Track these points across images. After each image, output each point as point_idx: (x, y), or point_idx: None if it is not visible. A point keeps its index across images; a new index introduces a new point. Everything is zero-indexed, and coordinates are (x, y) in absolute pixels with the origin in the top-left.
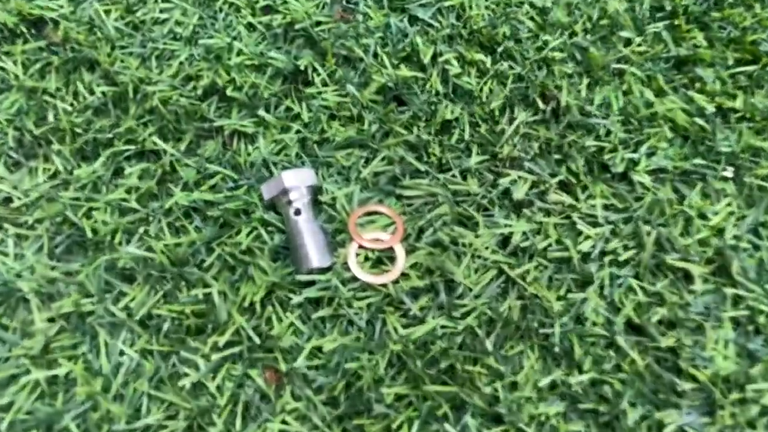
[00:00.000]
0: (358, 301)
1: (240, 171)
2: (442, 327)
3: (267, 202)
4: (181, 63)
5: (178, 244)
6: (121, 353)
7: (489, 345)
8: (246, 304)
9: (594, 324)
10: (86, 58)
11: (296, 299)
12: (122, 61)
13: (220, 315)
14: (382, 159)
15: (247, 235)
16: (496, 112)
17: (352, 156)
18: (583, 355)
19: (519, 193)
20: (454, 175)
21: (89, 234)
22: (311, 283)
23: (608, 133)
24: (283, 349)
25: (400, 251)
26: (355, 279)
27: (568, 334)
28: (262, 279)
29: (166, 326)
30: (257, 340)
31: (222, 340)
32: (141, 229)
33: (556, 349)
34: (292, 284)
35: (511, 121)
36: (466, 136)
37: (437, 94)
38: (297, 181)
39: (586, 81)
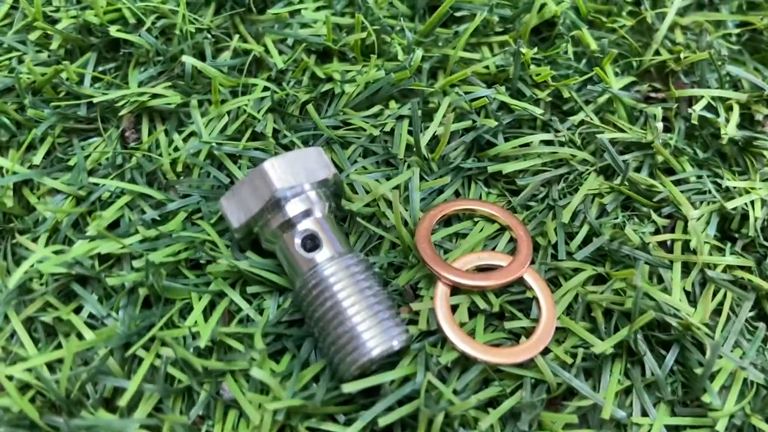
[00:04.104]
0: (483, 415)
1: (164, 185)
2: None
3: (240, 234)
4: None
5: (57, 361)
6: None
7: None
8: None
9: None
10: None
11: None
12: None
13: None
14: (449, 109)
15: (206, 313)
16: None
17: (385, 115)
18: None
19: (730, 129)
20: (587, 120)
21: None
22: (371, 393)
23: None
24: None
25: (537, 286)
26: (461, 363)
27: None
28: (262, 409)
29: None
30: None
31: None
32: None
33: None
34: (329, 402)
35: (655, 9)
36: (593, 45)
37: None
38: (296, 175)
39: None
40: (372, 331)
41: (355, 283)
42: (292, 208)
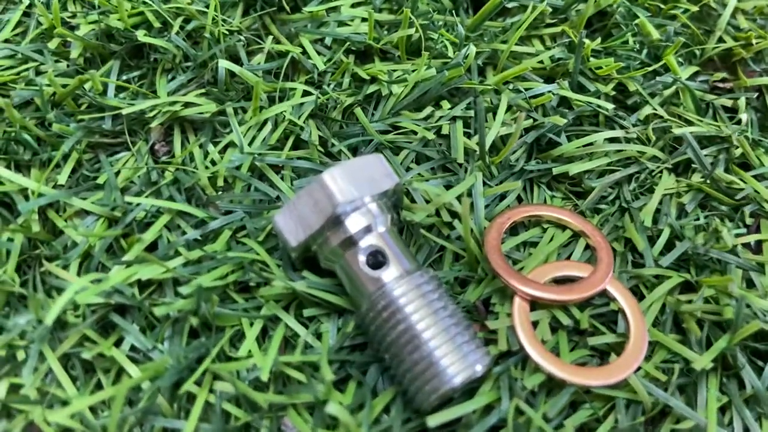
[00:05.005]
0: None
1: (204, 201)
2: None
3: (297, 253)
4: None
5: (104, 404)
6: None
7: None
8: None
9: None
10: None
11: None
12: None
13: None
14: (507, 109)
15: (259, 340)
16: None
17: (436, 117)
18: None
19: None
20: (653, 114)
21: None
22: (449, 422)
23: None
24: None
25: (622, 297)
26: (546, 385)
27: None
28: None
29: None
30: None
31: None
32: None
33: None
34: None
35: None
36: (654, 34)
37: None
38: (359, 187)
39: None
40: (451, 357)
41: (428, 304)
42: (355, 223)
